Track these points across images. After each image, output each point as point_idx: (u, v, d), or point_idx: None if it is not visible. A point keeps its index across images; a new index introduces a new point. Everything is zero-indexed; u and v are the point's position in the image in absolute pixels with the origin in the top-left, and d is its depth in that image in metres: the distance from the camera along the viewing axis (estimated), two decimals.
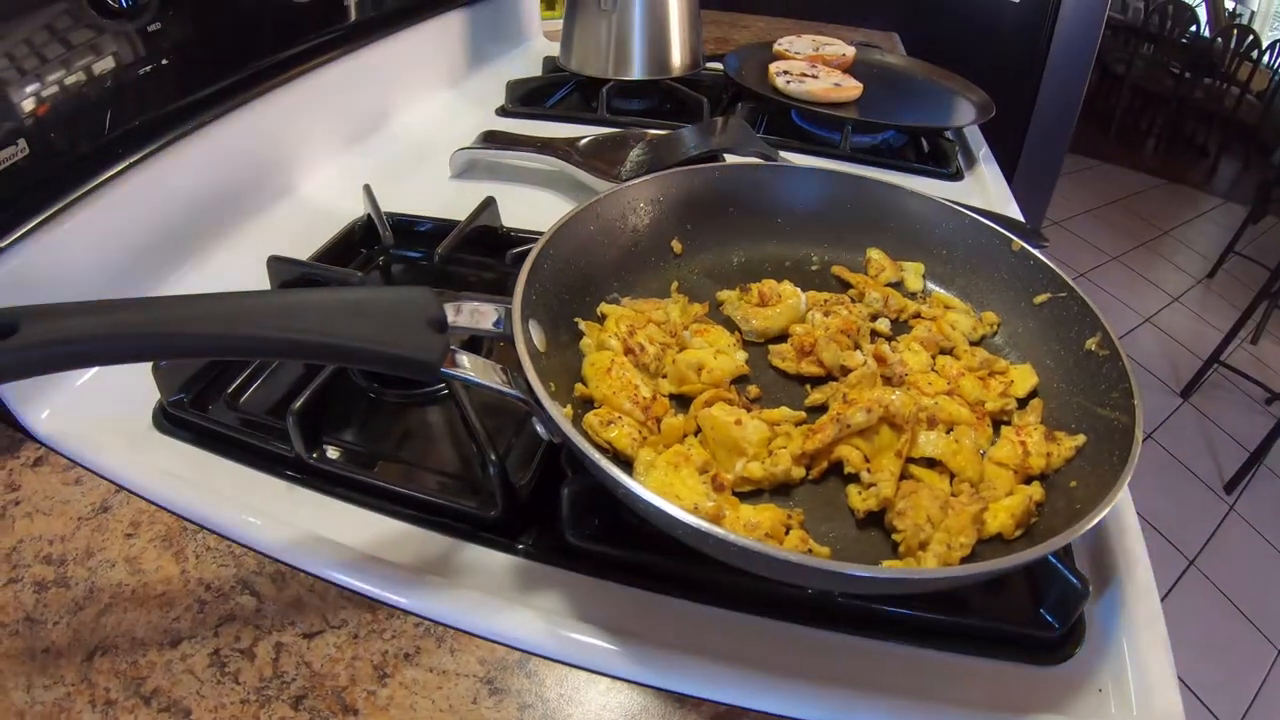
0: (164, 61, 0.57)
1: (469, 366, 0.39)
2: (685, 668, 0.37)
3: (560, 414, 0.37)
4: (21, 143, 0.47)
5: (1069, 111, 1.33)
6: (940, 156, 0.86)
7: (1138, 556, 0.45)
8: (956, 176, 0.84)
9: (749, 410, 0.46)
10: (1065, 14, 1.23)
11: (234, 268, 0.62)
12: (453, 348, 0.39)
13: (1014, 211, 0.78)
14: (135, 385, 0.48)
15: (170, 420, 0.48)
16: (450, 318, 0.40)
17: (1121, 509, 0.47)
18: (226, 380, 0.51)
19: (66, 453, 0.47)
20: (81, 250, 0.52)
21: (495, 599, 0.40)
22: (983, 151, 0.91)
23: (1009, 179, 0.86)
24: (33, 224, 0.48)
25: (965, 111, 0.92)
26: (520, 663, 0.38)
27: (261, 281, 0.57)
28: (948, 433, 0.45)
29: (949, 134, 0.90)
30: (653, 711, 0.36)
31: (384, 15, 0.84)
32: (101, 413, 0.48)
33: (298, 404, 0.45)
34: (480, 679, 0.37)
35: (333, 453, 0.47)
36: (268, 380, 0.52)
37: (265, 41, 0.69)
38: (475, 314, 0.42)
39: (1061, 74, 1.26)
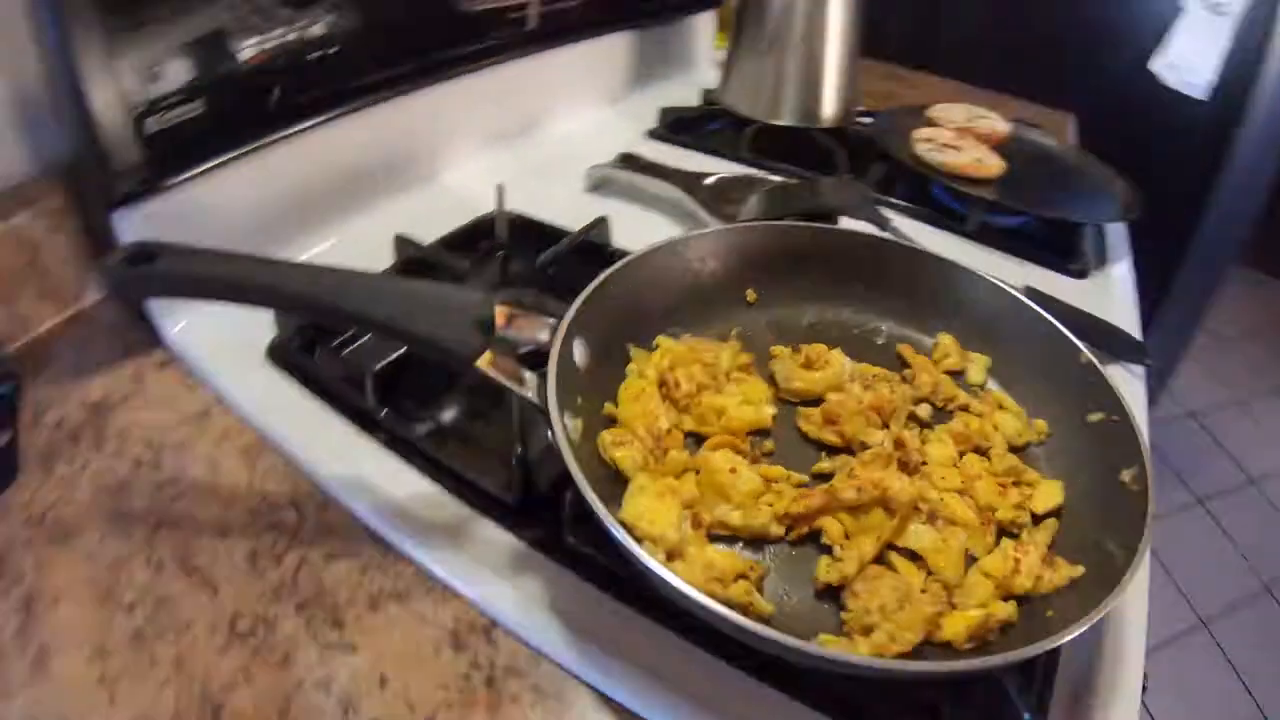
0: (335, 49, 0.66)
1: (499, 368, 0.45)
2: (627, 679, 0.41)
3: (561, 430, 0.42)
4: (199, 102, 0.58)
5: (1244, 220, 1.20)
6: (1070, 249, 0.83)
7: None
8: (1081, 274, 0.80)
9: (755, 462, 0.49)
10: (1256, 117, 1.11)
11: (366, 238, 0.71)
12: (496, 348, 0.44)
13: (1132, 321, 0.74)
14: (258, 320, 0.58)
15: (278, 356, 0.58)
16: (499, 325, 0.46)
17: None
18: (335, 334, 0.60)
19: (188, 361, 0.57)
20: (234, 200, 0.63)
21: (487, 570, 0.46)
22: (1121, 251, 0.86)
23: (1162, 282, 0.81)
24: (196, 171, 0.58)
25: (1109, 207, 0.87)
26: (486, 628, 0.43)
27: (386, 253, 0.66)
28: (939, 529, 0.46)
29: (1087, 228, 0.86)
30: (581, 706, 0.41)
31: (556, 29, 0.92)
32: (225, 335, 0.59)
33: (378, 365, 0.53)
34: (448, 631, 0.43)
35: (400, 413, 0.55)
36: (367, 341, 0.61)
37: (434, 41, 0.78)
38: (528, 328, 0.48)
39: (1242, 180, 1.15)
